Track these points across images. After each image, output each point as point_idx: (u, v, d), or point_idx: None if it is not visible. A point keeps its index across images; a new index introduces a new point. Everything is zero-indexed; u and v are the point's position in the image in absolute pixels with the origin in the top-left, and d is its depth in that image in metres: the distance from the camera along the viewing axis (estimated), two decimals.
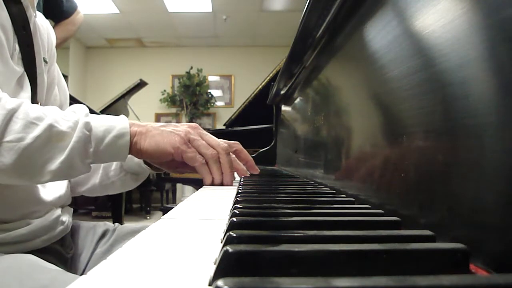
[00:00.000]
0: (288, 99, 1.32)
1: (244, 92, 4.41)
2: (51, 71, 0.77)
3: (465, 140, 0.27)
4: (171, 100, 5.86)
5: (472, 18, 0.27)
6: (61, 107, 0.79)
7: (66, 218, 0.71)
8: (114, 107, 3.45)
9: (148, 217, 4.15)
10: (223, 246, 0.23)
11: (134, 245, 0.28)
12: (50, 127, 0.52)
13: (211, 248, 0.28)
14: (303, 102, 1.05)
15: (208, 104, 5.87)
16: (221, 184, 0.66)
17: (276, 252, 0.22)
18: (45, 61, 0.71)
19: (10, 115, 0.50)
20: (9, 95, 0.52)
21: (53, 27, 1.85)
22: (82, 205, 4.01)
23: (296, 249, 0.22)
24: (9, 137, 0.49)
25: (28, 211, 0.62)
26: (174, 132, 0.63)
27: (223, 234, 0.30)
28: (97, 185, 0.79)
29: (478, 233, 0.25)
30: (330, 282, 0.17)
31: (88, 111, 0.59)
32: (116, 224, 0.84)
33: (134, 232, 0.76)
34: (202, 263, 0.24)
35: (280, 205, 0.42)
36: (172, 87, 6.02)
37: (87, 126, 0.55)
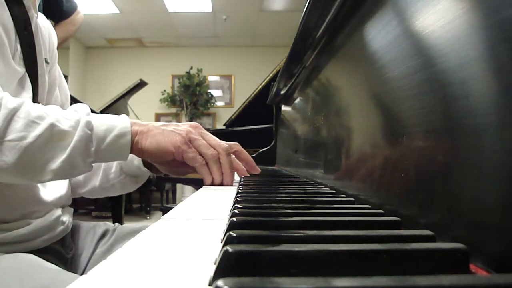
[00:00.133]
0: (288, 99, 1.32)
1: (244, 92, 4.41)
2: (52, 72, 0.77)
3: (465, 140, 0.27)
4: (171, 100, 5.86)
5: (472, 18, 0.27)
6: (61, 107, 0.79)
7: (67, 218, 0.71)
8: (114, 107, 3.45)
9: (148, 217, 4.15)
10: (223, 246, 0.23)
11: (134, 245, 0.28)
12: (52, 126, 0.52)
13: (211, 248, 0.28)
14: (303, 102, 1.05)
15: (208, 104, 5.88)
16: (221, 184, 0.66)
17: (276, 252, 0.22)
18: (47, 62, 0.71)
19: (12, 114, 0.50)
20: (10, 95, 0.52)
21: (53, 27, 1.85)
22: (82, 205, 4.01)
23: (296, 249, 0.22)
24: (10, 136, 0.49)
25: (29, 211, 0.62)
26: (175, 132, 0.63)
27: (223, 234, 0.30)
28: (97, 188, 0.79)
29: (478, 233, 0.25)
30: (330, 282, 0.17)
31: (89, 110, 0.59)
32: (116, 224, 0.84)
33: (134, 232, 0.77)
34: (202, 263, 0.24)
35: (280, 205, 0.42)
36: (172, 87, 6.02)
37: (89, 125, 0.55)
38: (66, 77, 0.87)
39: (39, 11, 0.74)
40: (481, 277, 0.20)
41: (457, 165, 0.27)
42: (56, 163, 0.52)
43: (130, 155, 0.61)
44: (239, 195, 0.48)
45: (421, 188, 0.32)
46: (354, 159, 0.54)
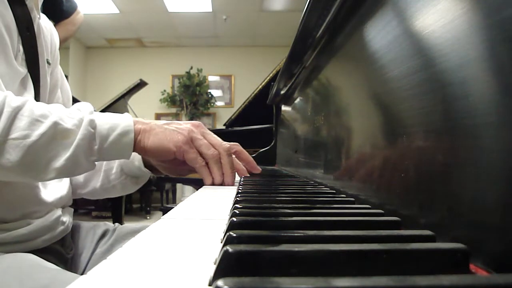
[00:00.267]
0: (288, 99, 1.32)
1: (244, 92, 4.41)
2: (54, 73, 0.77)
3: (465, 140, 0.27)
4: (171, 100, 5.86)
5: (472, 18, 0.27)
6: None
7: (67, 219, 0.71)
8: (114, 107, 3.45)
9: (148, 217, 4.15)
10: (223, 246, 0.23)
11: (134, 245, 0.28)
12: (55, 124, 0.52)
13: (211, 248, 0.28)
14: (303, 102, 1.05)
15: (208, 104, 5.87)
16: (222, 184, 0.66)
17: (276, 252, 0.22)
18: (48, 63, 0.71)
19: (15, 113, 0.50)
20: None
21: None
22: (82, 205, 4.01)
23: (296, 249, 0.22)
24: (14, 134, 0.49)
25: (29, 211, 0.62)
26: (177, 131, 0.63)
27: (223, 234, 0.30)
28: (98, 189, 0.79)
29: (478, 233, 0.25)
30: (330, 282, 0.17)
31: (92, 108, 0.59)
32: (116, 224, 0.84)
33: (134, 232, 0.77)
34: (202, 263, 0.24)
35: (280, 205, 0.42)
36: (172, 87, 6.02)
37: (92, 124, 0.55)
38: (66, 77, 0.87)
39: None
40: (481, 277, 0.20)
41: (457, 165, 0.27)
42: (59, 162, 0.53)
43: (132, 155, 0.61)
44: (239, 195, 0.48)
45: (421, 188, 0.32)
46: (354, 159, 0.54)
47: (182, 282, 0.21)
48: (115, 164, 0.77)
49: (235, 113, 2.81)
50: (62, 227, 0.68)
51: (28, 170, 0.52)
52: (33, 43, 0.66)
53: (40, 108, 0.52)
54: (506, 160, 0.23)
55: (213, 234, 0.32)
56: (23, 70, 0.63)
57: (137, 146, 0.60)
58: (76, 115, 0.55)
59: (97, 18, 5.01)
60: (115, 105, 3.51)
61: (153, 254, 0.26)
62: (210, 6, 4.74)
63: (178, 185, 5.03)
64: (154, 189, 4.43)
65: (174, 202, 4.96)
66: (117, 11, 4.91)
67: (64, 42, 2.07)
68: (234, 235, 0.25)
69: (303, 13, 0.67)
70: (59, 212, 0.69)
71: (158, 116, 6.02)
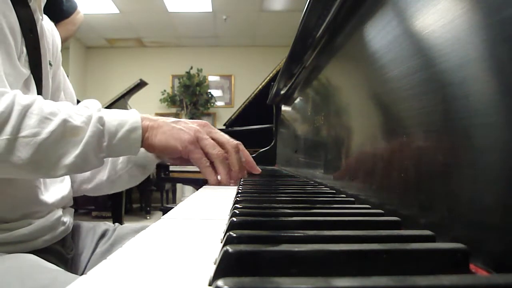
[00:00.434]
0: (288, 99, 1.32)
1: (244, 92, 4.41)
2: (57, 75, 0.78)
3: (465, 140, 0.27)
4: (171, 100, 5.86)
5: (472, 18, 0.27)
6: None
7: (67, 219, 0.71)
8: (114, 107, 3.44)
9: (148, 217, 4.15)
10: (223, 246, 0.23)
11: (134, 245, 0.28)
12: (65, 122, 0.53)
13: (211, 248, 0.28)
14: (303, 102, 1.05)
15: (208, 104, 5.87)
16: (229, 183, 0.67)
17: (276, 252, 0.22)
18: (50, 64, 0.72)
19: (25, 111, 0.50)
20: None
21: None
22: (82, 205, 4.00)
23: (296, 249, 0.22)
24: (24, 132, 0.50)
25: (30, 211, 0.62)
26: (184, 130, 0.64)
27: (223, 234, 0.30)
28: (104, 181, 0.79)
29: (478, 233, 0.25)
30: (330, 282, 0.17)
31: (100, 105, 0.60)
32: (116, 224, 0.84)
33: (134, 232, 0.76)
34: (202, 263, 0.24)
35: (280, 205, 0.42)
36: (172, 87, 6.02)
37: (101, 121, 0.56)
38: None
39: None
40: (481, 277, 0.20)
41: (457, 165, 0.27)
42: (69, 159, 0.53)
43: None
44: (239, 195, 0.48)
45: (421, 188, 0.32)
46: (354, 159, 0.54)
47: (182, 282, 0.21)
48: None
49: (235, 113, 2.81)
50: (62, 227, 0.68)
51: (39, 167, 0.53)
52: (36, 44, 0.66)
53: (49, 106, 0.53)
54: (506, 160, 0.22)
55: (213, 234, 0.32)
56: (26, 71, 0.63)
57: (144, 143, 0.61)
58: (85, 112, 0.55)
59: (97, 18, 5.00)
60: (115, 105, 3.51)
61: (153, 254, 0.26)
62: (210, 6, 4.74)
63: (178, 185, 5.02)
64: (154, 189, 4.43)
65: (174, 202, 4.95)
66: (117, 11, 4.91)
67: (64, 42, 2.07)
68: (234, 235, 0.25)
69: (303, 13, 0.67)
70: (60, 212, 0.69)
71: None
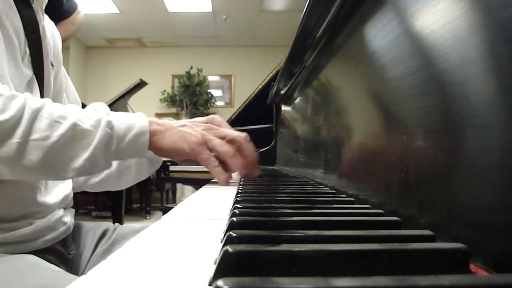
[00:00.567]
0: (288, 99, 1.32)
1: (244, 92, 4.40)
2: (58, 76, 0.78)
3: (465, 140, 0.27)
4: (171, 100, 5.86)
5: (472, 18, 0.27)
6: None
7: (68, 219, 0.71)
8: (114, 107, 3.44)
9: (148, 217, 4.15)
10: (223, 246, 0.23)
11: (134, 245, 0.28)
12: (74, 125, 0.53)
13: (211, 248, 0.28)
14: (303, 102, 1.05)
15: (208, 104, 5.87)
16: (245, 174, 0.70)
17: (276, 252, 0.22)
18: (52, 65, 0.72)
19: (36, 114, 0.51)
20: None
21: None
22: (82, 205, 4.00)
23: (296, 249, 0.22)
24: (35, 135, 0.51)
25: (31, 211, 0.62)
26: (191, 133, 0.64)
27: (223, 234, 0.30)
28: (114, 172, 0.79)
29: (478, 233, 0.25)
30: (330, 282, 0.17)
31: (109, 109, 0.60)
32: (116, 224, 0.84)
33: (134, 232, 0.77)
34: (202, 263, 0.24)
35: (280, 205, 0.42)
36: (172, 87, 6.02)
37: (110, 125, 0.57)
38: None
39: None
40: (481, 277, 0.20)
41: (457, 165, 0.27)
42: (78, 162, 0.54)
43: None
44: (239, 195, 0.48)
45: (421, 188, 0.32)
46: (354, 159, 0.54)
47: (182, 282, 0.21)
48: None
49: (235, 113, 2.80)
50: (64, 228, 0.69)
51: (49, 170, 0.53)
52: (39, 45, 0.66)
53: (59, 109, 0.54)
54: (506, 160, 0.22)
55: (213, 234, 0.32)
56: (29, 72, 0.63)
57: (153, 147, 0.62)
58: (94, 116, 0.56)
59: (97, 18, 5.00)
60: (115, 105, 3.51)
61: (153, 254, 0.26)
62: (210, 6, 4.74)
63: (178, 185, 5.02)
64: (154, 189, 4.43)
65: (174, 202, 4.95)
66: (117, 11, 4.90)
67: (64, 42, 2.07)
68: (234, 235, 0.25)
69: (303, 13, 0.67)
70: (61, 212, 0.69)
71: (158, 116, 5.99)
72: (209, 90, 5.92)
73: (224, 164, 0.67)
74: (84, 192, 0.85)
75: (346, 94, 0.63)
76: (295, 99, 1.17)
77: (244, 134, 0.70)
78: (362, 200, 0.47)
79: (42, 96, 0.67)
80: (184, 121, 0.70)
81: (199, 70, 5.83)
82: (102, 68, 6.12)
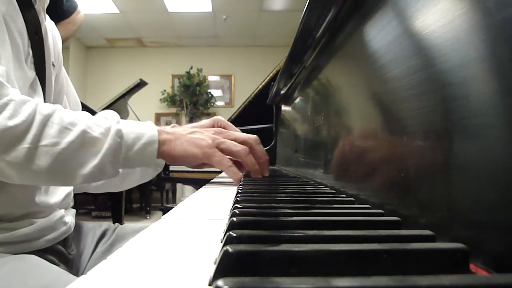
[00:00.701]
0: (288, 99, 1.32)
1: (244, 92, 4.40)
2: (59, 77, 0.78)
3: (465, 140, 0.27)
4: (171, 100, 5.86)
5: (472, 18, 0.27)
6: None
7: (69, 219, 0.71)
8: (114, 107, 3.45)
9: (148, 217, 4.15)
10: (223, 246, 0.23)
11: (134, 245, 0.28)
12: (84, 132, 0.54)
13: (211, 248, 0.28)
14: (303, 102, 1.05)
15: (208, 104, 5.87)
16: (259, 174, 0.72)
17: (276, 252, 0.22)
18: (53, 65, 0.72)
19: (46, 120, 0.52)
20: None
21: None
22: (82, 205, 4.00)
23: (296, 249, 0.22)
24: (45, 141, 0.51)
25: (32, 211, 0.63)
26: (201, 137, 0.65)
27: (223, 234, 0.30)
28: (118, 175, 0.79)
29: (478, 233, 0.25)
30: (330, 282, 0.17)
31: (119, 117, 0.60)
32: (116, 224, 0.84)
33: (134, 232, 0.77)
34: (202, 263, 0.24)
35: (280, 205, 0.42)
36: (172, 87, 6.02)
37: (119, 133, 0.57)
38: None
39: None
40: (481, 277, 0.20)
41: (457, 165, 0.27)
42: (86, 169, 0.54)
43: None
44: (239, 195, 0.48)
45: (421, 188, 0.32)
46: (354, 159, 0.54)
47: (182, 282, 0.21)
48: None
49: (235, 113, 2.80)
50: (64, 228, 0.69)
51: (57, 176, 0.54)
52: (41, 46, 0.66)
53: (69, 116, 0.54)
54: (506, 160, 0.22)
55: (213, 234, 0.32)
56: (31, 73, 0.63)
57: (165, 156, 0.63)
58: (103, 124, 0.57)
59: (97, 18, 5.00)
60: (115, 105, 3.51)
61: (153, 254, 0.26)
62: (210, 6, 4.74)
63: (178, 185, 5.02)
64: (154, 189, 4.43)
65: (174, 202, 4.95)
66: (117, 11, 4.90)
67: (64, 42, 2.07)
68: (234, 235, 0.25)
69: (303, 13, 0.67)
70: (62, 212, 0.69)
71: (158, 116, 6.02)
72: (209, 90, 5.92)
73: (237, 164, 0.68)
74: (84, 192, 0.85)
75: (346, 94, 0.63)
76: (295, 99, 1.17)
77: (254, 136, 0.70)
78: (362, 200, 0.47)
79: (44, 97, 0.67)
80: (191, 125, 0.70)
81: (199, 70, 5.83)
82: (102, 68, 6.12)
